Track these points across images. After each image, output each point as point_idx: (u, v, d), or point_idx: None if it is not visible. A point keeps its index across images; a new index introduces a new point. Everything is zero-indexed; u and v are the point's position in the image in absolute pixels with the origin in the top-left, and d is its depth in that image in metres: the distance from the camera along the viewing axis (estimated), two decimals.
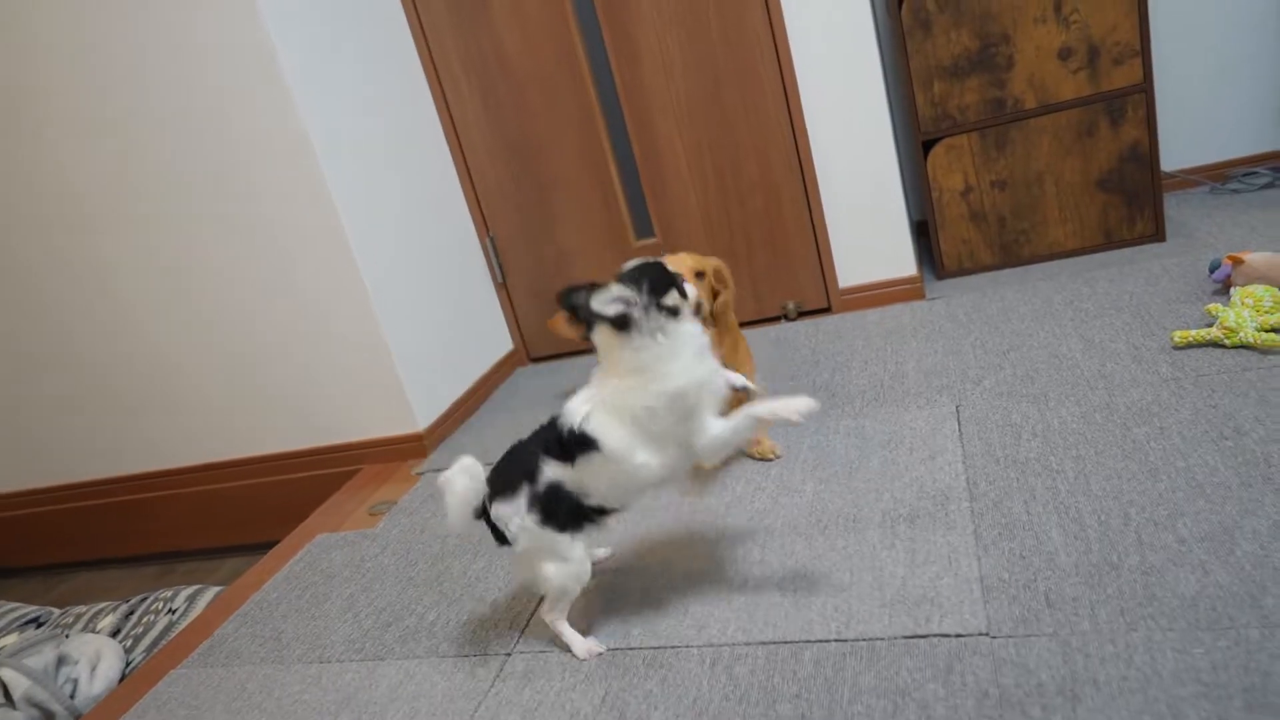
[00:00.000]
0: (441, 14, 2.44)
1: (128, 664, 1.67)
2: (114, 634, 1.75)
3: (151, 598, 1.85)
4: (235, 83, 1.99)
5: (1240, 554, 1.10)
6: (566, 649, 1.29)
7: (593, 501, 1.23)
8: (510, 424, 2.27)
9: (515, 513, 1.22)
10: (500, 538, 1.25)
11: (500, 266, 2.67)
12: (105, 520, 2.61)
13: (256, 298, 2.20)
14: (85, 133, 2.15)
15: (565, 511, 1.23)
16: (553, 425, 1.25)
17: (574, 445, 1.20)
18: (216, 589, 1.88)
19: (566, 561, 1.24)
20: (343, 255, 2.08)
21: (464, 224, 2.60)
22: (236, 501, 2.42)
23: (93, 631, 1.75)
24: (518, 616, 1.42)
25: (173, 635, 1.69)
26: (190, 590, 1.86)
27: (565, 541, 1.24)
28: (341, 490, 2.19)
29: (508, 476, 1.25)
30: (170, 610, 1.79)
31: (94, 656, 1.60)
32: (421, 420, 2.23)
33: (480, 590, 1.53)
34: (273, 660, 1.51)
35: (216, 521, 2.47)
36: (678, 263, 1.55)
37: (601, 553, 1.49)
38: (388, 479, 2.16)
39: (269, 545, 1.99)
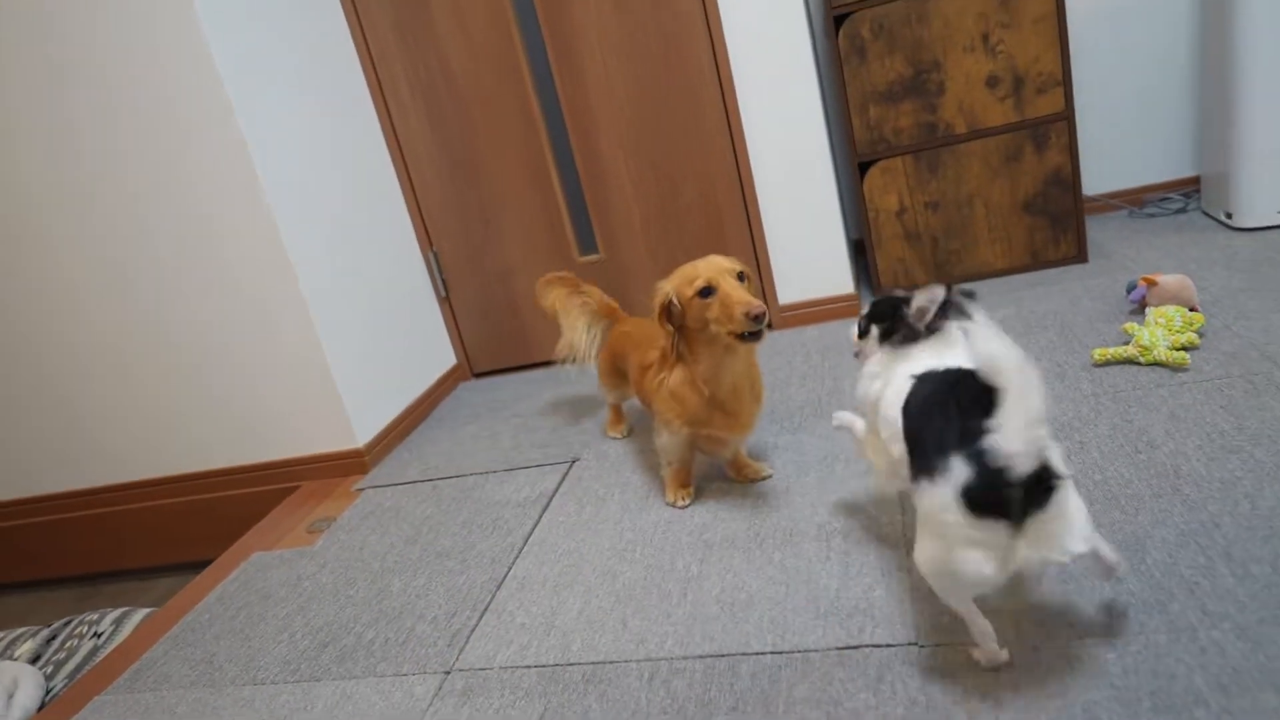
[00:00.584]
0: (387, 32, 2.43)
1: (48, 691, 1.61)
2: (33, 660, 1.69)
3: (76, 621, 1.78)
4: (175, 92, 1.95)
5: (1150, 562, 1.16)
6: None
7: None
8: (451, 439, 2.26)
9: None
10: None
11: (443, 281, 2.66)
12: (26, 541, 2.52)
13: (189, 313, 2.15)
14: (32, 145, 2.09)
15: None
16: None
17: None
18: (146, 611, 1.83)
19: None
20: (282, 269, 2.05)
21: (407, 239, 2.58)
22: (170, 519, 2.35)
23: (10, 659, 1.68)
24: (458, 633, 1.41)
25: (98, 660, 1.64)
26: (117, 613, 1.81)
27: None
28: (279, 507, 2.15)
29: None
30: (96, 634, 1.73)
31: (10, 685, 1.53)
32: (362, 436, 2.20)
33: (420, 607, 1.52)
34: (204, 684, 1.47)
35: (148, 540, 2.40)
36: (713, 267, 1.44)
37: None
38: (327, 495, 2.13)
39: (204, 564, 1.94)
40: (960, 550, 0.94)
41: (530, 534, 1.68)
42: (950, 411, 0.99)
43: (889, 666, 1.10)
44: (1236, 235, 2.25)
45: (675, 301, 1.45)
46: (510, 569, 1.57)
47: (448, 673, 1.33)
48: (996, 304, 2.18)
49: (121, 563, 2.46)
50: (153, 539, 2.39)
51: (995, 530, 0.92)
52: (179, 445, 2.32)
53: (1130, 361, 1.72)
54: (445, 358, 2.67)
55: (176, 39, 1.91)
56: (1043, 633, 1.08)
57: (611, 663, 1.25)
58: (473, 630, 1.41)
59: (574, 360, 1.93)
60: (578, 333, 1.92)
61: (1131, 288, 1.95)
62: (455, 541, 1.72)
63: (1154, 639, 1.03)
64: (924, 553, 1.02)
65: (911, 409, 1.08)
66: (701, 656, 1.21)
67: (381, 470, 2.19)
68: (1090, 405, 1.60)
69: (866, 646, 1.15)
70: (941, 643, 1.12)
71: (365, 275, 2.34)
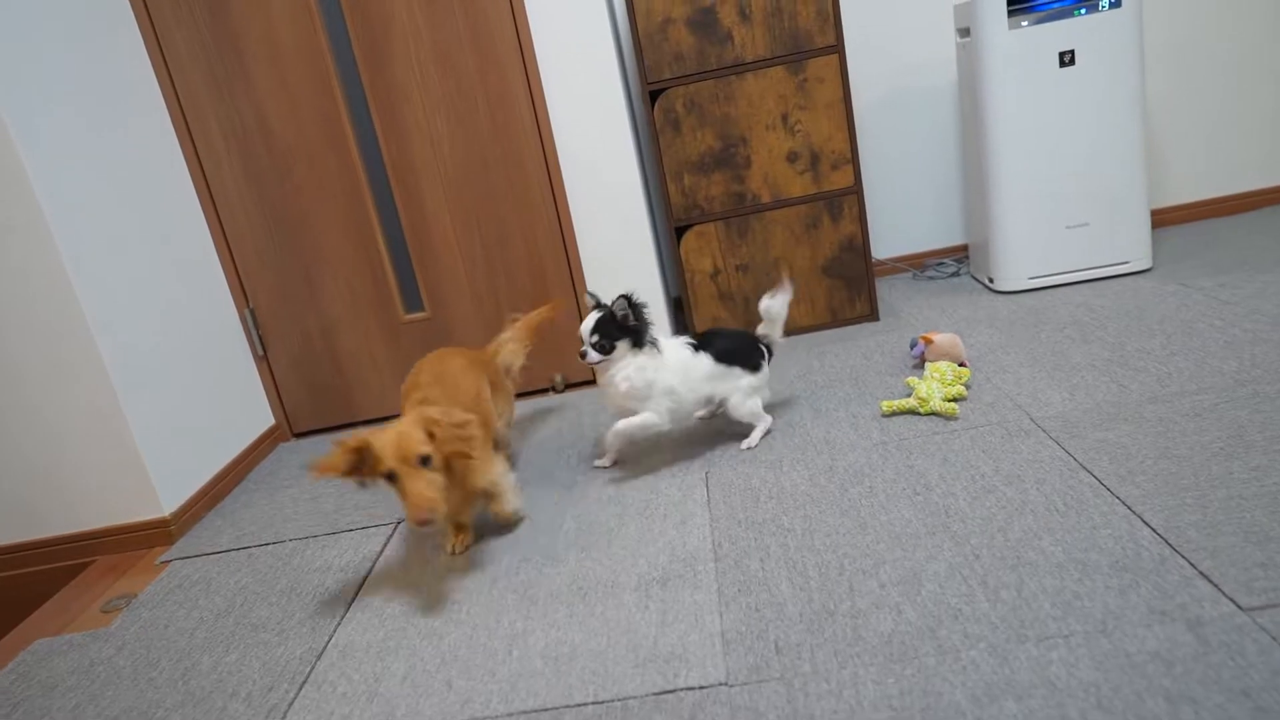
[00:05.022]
0: (197, 81, 2.36)
1: None
2: None
3: None
4: None
5: (924, 594, 1.31)
6: None
7: None
8: (269, 504, 2.17)
9: None
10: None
11: (260, 339, 2.56)
12: None
13: None
14: None
15: None
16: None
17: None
18: None
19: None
20: (74, 323, 1.92)
21: (221, 294, 2.48)
22: None
23: None
24: (274, 708, 1.37)
25: None
26: None
27: None
28: (68, 587, 1.97)
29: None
30: None
31: None
32: (168, 503, 2.07)
33: (233, 684, 1.45)
34: None
35: None
36: (397, 451, 1.46)
37: None
38: (126, 570, 1.98)
39: None
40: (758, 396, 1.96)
41: (354, 599, 1.65)
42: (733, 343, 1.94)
43: (701, 707, 1.18)
44: (997, 297, 2.58)
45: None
46: (331, 637, 1.53)
47: None
48: (802, 359, 2.38)
49: None
50: None
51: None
52: None
53: (912, 412, 1.93)
54: (263, 418, 2.57)
55: None
56: (835, 663, 1.20)
57: None
58: (290, 704, 1.37)
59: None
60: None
61: (913, 344, 2.19)
62: (272, 612, 1.66)
63: (925, 662, 1.17)
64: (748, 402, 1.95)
65: (720, 351, 1.90)
66: (526, 712, 1.24)
67: (190, 540, 2.06)
68: (879, 452, 1.78)
69: (681, 690, 1.22)
70: (748, 681, 1.21)
71: (173, 332, 2.22)
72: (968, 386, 1.98)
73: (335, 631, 1.55)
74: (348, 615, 1.60)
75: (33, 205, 1.85)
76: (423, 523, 1.43)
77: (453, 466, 1.56)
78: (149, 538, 2.07)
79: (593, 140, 2.37)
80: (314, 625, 1.58)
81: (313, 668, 1.46)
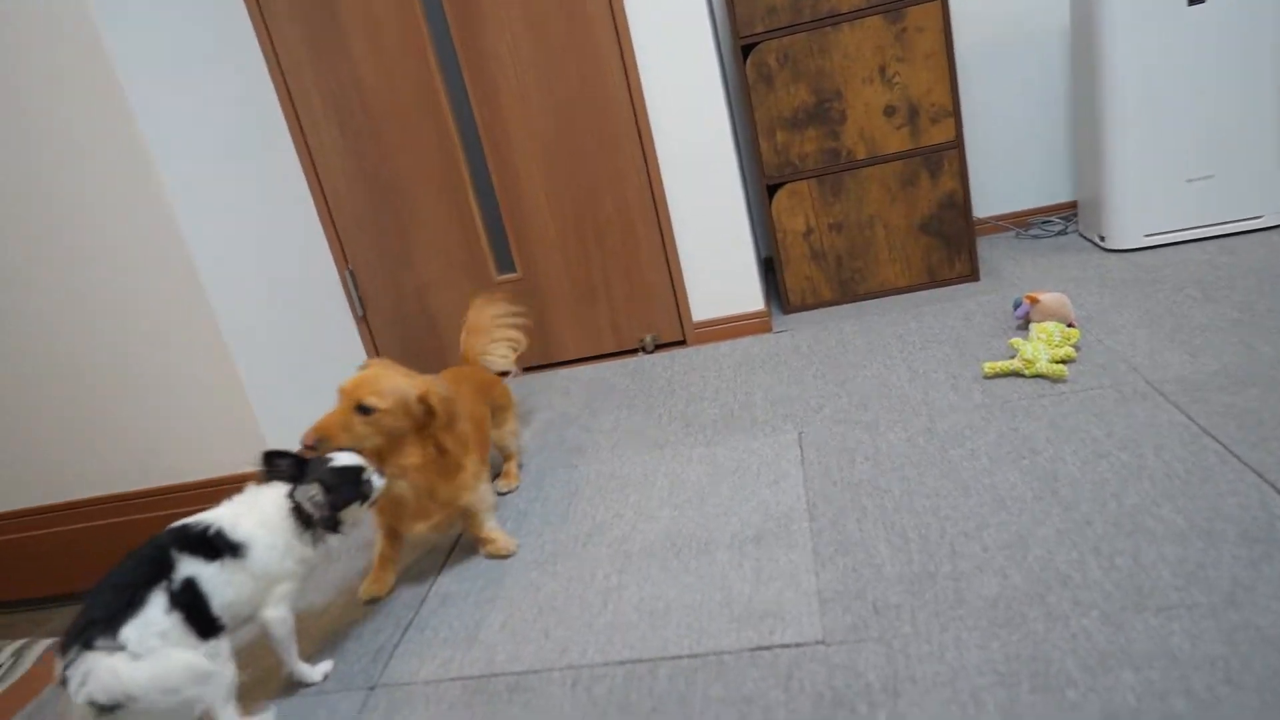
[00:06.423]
0: (299, 46, 2.42)
1: None
2: None
3: None
4: (69, 97, 1.90)
5: (1031, 559, 1.26)
6: None
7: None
8: None
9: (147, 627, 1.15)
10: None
11: (360, 300, 2.64)
12: None
13: (89, 332, 2.09)
14: None
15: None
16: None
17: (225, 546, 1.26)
18: (48, 642, 1.76)
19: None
20: (191, 285, 2.01)
21: (323, 257, 2.56)
22: (70, 547, 2.26)
23: None
24: (381, 649, 1.42)
25: None
26: (17, 644, 1.73)
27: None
28: None
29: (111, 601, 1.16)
30: None
31: None
32: None
33: (345, 626, 1.52)
34: None
35: (45, 569, 2.29)
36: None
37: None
38: None
39: None
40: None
41: (452, 549, 1.70)
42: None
43: (798, 664, 1.17)
44: (1109, 256, 2.45)
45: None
46: (432, 586, 1.58)
47: (372, 688, 1.34)
48: (898, 319, 2.32)
49: (11, 593, 2.35)
50: (51, 567, 2.29)
51: None
52: (84, 469, 2.23)
53: (1016, 374, 1.85)
54: None
55: (70, 40, 1.86)
56: (937, 625, 1.17)
57: (535, 672, 1.28)
58: (396, 646, 1.42)
59: None
60: None
61: (1017, 304, 2.10)
62: None
63: (1033, 628, 1.13)
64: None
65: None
66: (622, 662, 1.26)
67: None
68: (981, 415, 1.72)
69: (777, 647, 1.21)
70: (846, 640, 1.19)
71: (281, 295, 2.31)
72: (1077, 348, 1.89)
73: (435, 580, 1.60)
74: (447, 565, 1.65)
75: (154, 175, 1.94)
76: (306, 443, 1.40)
77: (440, 467, 1.51)
78: None
79: (683, 97, 2.34)
80: (417, 573, 1.64)
81: (415, 613, 1.51)
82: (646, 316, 2.55)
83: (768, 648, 1.22)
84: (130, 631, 1.11)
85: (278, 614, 1.31)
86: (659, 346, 2.58)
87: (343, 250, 2.60)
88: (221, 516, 1.28)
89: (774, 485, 1.63)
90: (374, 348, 2.68)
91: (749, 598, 1.33)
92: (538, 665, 1.29)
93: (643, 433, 2.01)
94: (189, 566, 1.20)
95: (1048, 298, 1.99)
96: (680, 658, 1.24)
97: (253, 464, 1.35)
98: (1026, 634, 1.12)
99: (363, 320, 2.66)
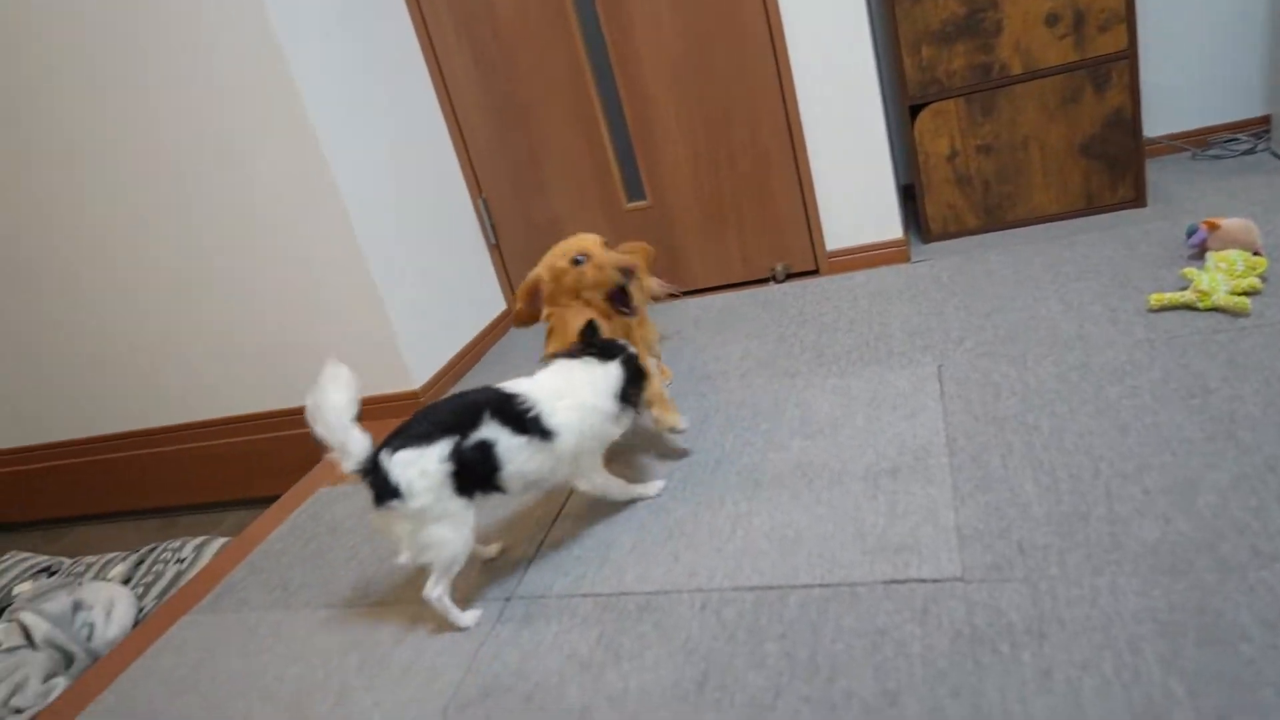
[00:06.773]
0: None
1: (140, 610, 1.73)
2: (125, 582, 1.81)
3: (160, 548, 1.90)
4: (224, 41, 1.99)
5: (1201, 505, 1.17)
6: (453, 626, 1.35)
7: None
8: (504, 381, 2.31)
9: (420, 461, 1.25)
10: (385, 492, 1.24)
11: (493, 228, 2.69)
12: (106, 476, 2.66)
13: (247, 259, 2.22)
14: (82, 101, 2.15)
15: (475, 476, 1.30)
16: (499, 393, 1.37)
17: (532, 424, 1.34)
18: (223, 540, 1.94)
19: (461, 528, 1.31)
20: (336, 212, 2.10)
21: (457, 185, 2.62)
22: (237, 457, 2.46)
23: (104, 580, 1.80)
24: (517, 563, 1.48)
25: (182, 583, 1.75)
26: (198, 541, 1.92)
27: (462, 506, 1.30)
28: None
29: (419, 428, 1.28)
30: (179, 559, 1.84)
31: (108, 603, 1.65)
32: (417, 379, 2.27)
33: (481, 538, 1.59)
34: (281, 605, 1.57)
35: (218, 477, 2.51)
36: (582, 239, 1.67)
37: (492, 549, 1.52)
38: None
39: (269, 500, 2.04)
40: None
41: None
42: None
43: (935, 600, 1.14)
44: None
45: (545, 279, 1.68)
46: (563, 507, 1.63)
47: (508, 599, 1.40)
48: (1048, 249, 2.16)
49: (196, 497, 2.59)
50: (223, 475, 2.50)
51: None
52: (246, 388, 2.41)
53: (1188, 307, 1.69)
54: (495, 303, 2.72)
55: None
56: (1089, 568, 1.11)
57: (664, 593, 1.30)
58: (531, 561, 1.48)
59: None
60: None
61: (1192, 231, 1.91)
62: None
63: (1202, 577, 1.05)
64: None
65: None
66: (751, 588, 1.26)
67: None
68: (1144, 350, 1.59)
69: (912, 581, 1.18)
70: (987, 579, 1.15)
71: (418, 223, 2.38)
72: (1263, 279, 1.70)
73: (566, 501, 1.64)
74: None
75: (302, 115, 2.02)
76: (626, 269, 1.59)
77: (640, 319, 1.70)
78: (402, 408, 2.28)
79: (821, 10, 2.21)
80: (547, 495, 1.69)
81: (548, 532, 1.56)
82: (778, 245, 2.48)
83: (903, 581, 1.19)
84: (403, 455, 1.23)
85: (590, 484, 1.47)
86: (791, 276, 2.51)
87: (476, 178, 2.65)
88: (540, 400, 1.35)
89: (911, 418, 1.57)
90: (506, 275, 2.74)
91: (883, 530, 1.30)
92: (667, 586, 1.31)
93: (773, 362, 1.97)
94: (491, 431, 1.30)
95: (1230, 223, 1.80)
96: (811, 586, 1.23)
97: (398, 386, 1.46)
98: (1194, 583, 1.04)
99: (495, 248, 2.71)
